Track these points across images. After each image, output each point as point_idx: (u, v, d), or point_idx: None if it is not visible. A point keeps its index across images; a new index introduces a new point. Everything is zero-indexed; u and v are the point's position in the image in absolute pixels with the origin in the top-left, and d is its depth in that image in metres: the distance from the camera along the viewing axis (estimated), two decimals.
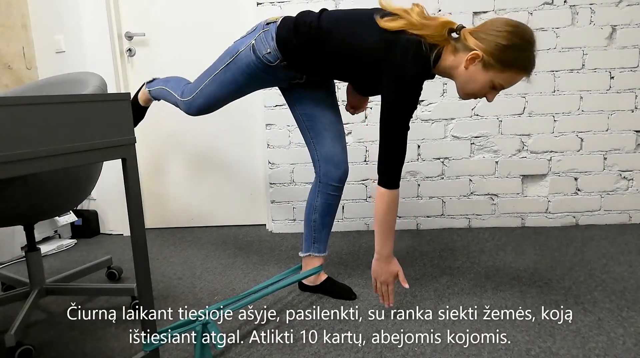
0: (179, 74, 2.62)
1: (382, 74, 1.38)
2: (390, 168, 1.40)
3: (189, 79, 1.82)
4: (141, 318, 1.24)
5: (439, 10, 2.38)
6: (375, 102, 2.48)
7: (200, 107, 1.70)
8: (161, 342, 1.27)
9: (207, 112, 1.73)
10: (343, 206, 2.59)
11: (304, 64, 1.52)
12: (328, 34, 1.44)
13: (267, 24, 1.52)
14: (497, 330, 1.44)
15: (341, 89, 2.50)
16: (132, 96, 2.00)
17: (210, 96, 1.66)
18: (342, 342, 1.42)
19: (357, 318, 1.57)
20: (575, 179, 2.47)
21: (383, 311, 1.61)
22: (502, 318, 1.52)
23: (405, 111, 1.36)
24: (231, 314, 1.65)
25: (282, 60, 1.51)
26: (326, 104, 1.69)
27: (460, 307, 1.60)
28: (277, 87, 1.75)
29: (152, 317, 1.25)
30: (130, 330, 1.57)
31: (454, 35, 1.39)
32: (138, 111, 2.00)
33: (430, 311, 1.58)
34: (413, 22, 1.35)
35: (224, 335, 1.50)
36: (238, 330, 1.53)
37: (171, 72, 2.68)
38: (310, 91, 1.67)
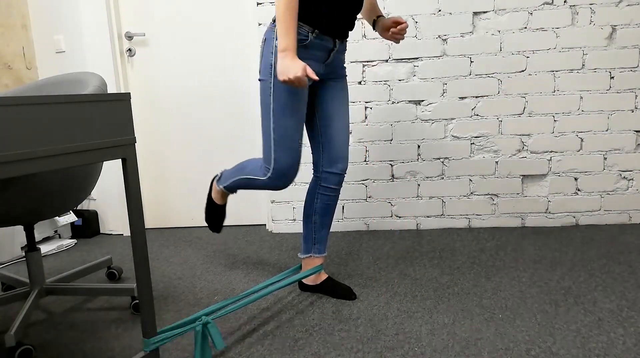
0: (179, 80, 2.63)
1: None
2: None
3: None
4: (141, 318, 1.24)
5: (439, 10, 2.38)
6: (375, 102, 2.48)
7: (287, 162, 1.57)
8: (161, 342, 1.27)
9: (294, 168, 1.59)
10: (343, 206, 2.59)
11: (324, 13, 1.50)
12: None
13: (273, 21, 1.55)
14: (497, 330, 1.44)
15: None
16: (206, 204, 1.90)
17: (286, 137, 1.54)
18: (342, 342, 1.43)
19: (357, 318, 1.57)
20: (575, 179, 2.48)
21: (383, 311, 1.61)
22: (502, 318, 1.52)
23: None
24: (231, 314, 1.65)
25: (311, 31, 1.51)
26: (343, 110, 1.70)
27: (460, 307, 1.61)
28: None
29: (152, 316, 1.25)
30: (130, 330, 1.57)
31: None
32: (217, 211, 1.87)
33: (430, 311, 1.59)
34: None
35: (224, 335, 1.51)
36: (238, 330, 1.53)
37: (171, 72, 2.70)
38: (330, 96, 1.67)
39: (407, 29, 1.65)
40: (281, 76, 1.42)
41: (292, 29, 1.42)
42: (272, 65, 1.52)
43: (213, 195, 1.86)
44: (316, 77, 1.40)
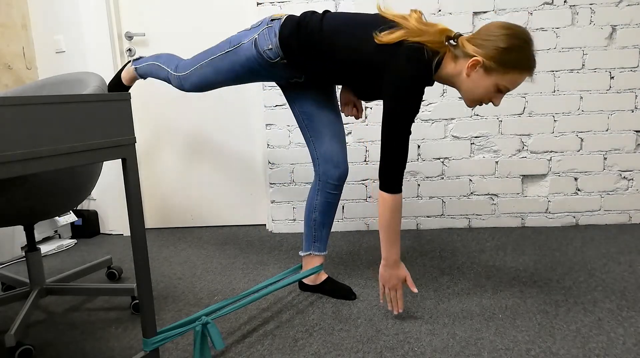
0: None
1: (383, 80, 1.39)
2: (392, 173, 1.40)
3: (182, 57, 1.82)
4: (141, 318, 1.24)
5: (439, 11, 2.38)
6: (375, 102, 2.48)
7: (194, 84, 1.70)
8: (161, 342, 1.27)
9: (201, 91, 1.74)
10: (343, 206, 2.59)
11: (304, 64, 1.53)
12: (329, 39, 1.45)
13: (272, 20, 1.54)
14: (497, 330, 1.44)
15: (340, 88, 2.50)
16: (113, 78, 1.97)
17: (205, 78, 1.66)
18: (342, 342, 1.43)
19: (357, 318, 1.57)
20: (575, 179, 2.48)
21: (383, 311, 1.61)
22: (502, 318, 1.52)
23: (407, 116, 1.37)
24: (231, 314, 1.65)
25: (282, 58, 1.52)
26: (325, 103, 1.69)
27: (460, 307, 1.61)
28: (277, 86, 1.74)
29: (152, 316, 1.25)
30: (130, 330, 1.57)
31: (452, 42, 1.40)
32: (122, 90, 1.99)
33: (431, 311, 1.59)
34: (412, 30, 1.36)
35: (224, 335, 1.51)
36: (238, 330, 1.53)
37: None
38: (310, 89, 1.68)
39: (358, 119, 1.79)
40: (381, 280, 1.53)
41: (397, 241, 1.49)
42: (240, 43, 1.56)
43: (123, 74, 1.93)
44: (416, 290, 1.51)
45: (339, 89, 2.45)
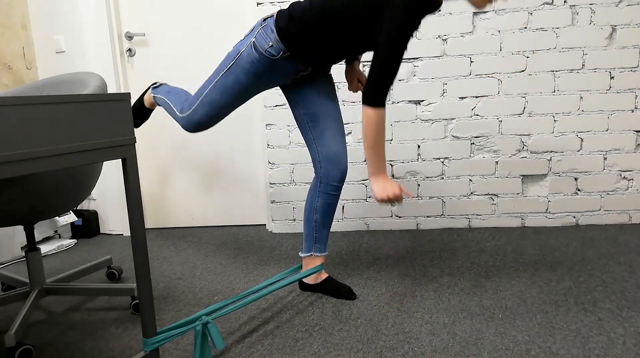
0: (180, 80, 2.62)
1: (384, 15, 1.40)
2: (381, 86, 1.42)
3: (192, 93, 1.81)
4: (141, 318, 1.24)
5: (439, 10, 2.38)
6: None
7: (200, 120, 1.66)
8: (161, 342, 1.27)
9: (206, 126, 1.69)
10: (343, 206, 2.59)
11: (307, 50, 1.53)
12: (323, 10, 1.47)
13: (264, 20, 1.56)
14: (497, 330, 1.44)
15: (340, 87, 2.51)
16: (137, 99, 1.97)
17: (212, 105, 1.63)
18: (342, 342, 1.43)
19: (357, 318, 1.57)
20: (575, 179, 2.48)
21: (383, 311, 1.61)
22: (502, 318, 1.52)
23: (407, 30, 1.37)
24: (231, 314, 1.65)
25: (285, 51, 1.52)
26: (328, 104, 1.70)
27: (460, 307, 1.61)
28: (278, 87, 1.74)
29: (152, 317, 1.25)
30: (130, 330, 1.57)
31: None
32: (143, 112, 1.98)
33: (430, 311, 1.59)
34: None
35: (224, 335, 1.51)
36: (238, 330, 1.53)
37: (171, 72, 2.70)
38: (312, 90, 1.68)
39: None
40: (379, 195, 1.49)
41: (384, 154, 1.49)
42: (239, 52, 1.56)
43: (145, 97, 1.94)
44: (411, 194, 1.44)
45: (339, 90, 2.45)
